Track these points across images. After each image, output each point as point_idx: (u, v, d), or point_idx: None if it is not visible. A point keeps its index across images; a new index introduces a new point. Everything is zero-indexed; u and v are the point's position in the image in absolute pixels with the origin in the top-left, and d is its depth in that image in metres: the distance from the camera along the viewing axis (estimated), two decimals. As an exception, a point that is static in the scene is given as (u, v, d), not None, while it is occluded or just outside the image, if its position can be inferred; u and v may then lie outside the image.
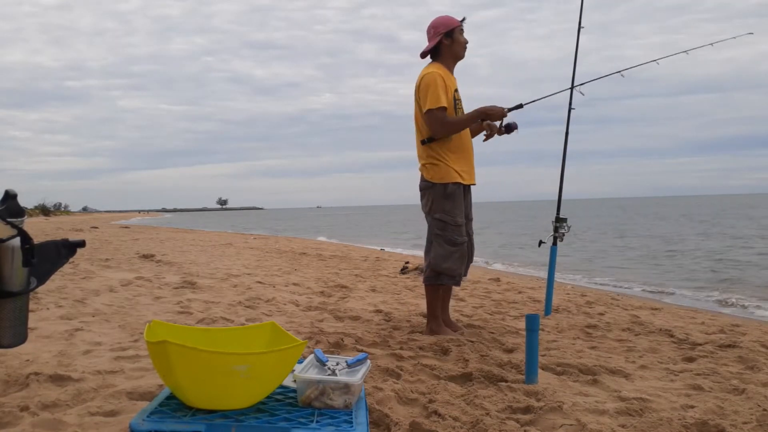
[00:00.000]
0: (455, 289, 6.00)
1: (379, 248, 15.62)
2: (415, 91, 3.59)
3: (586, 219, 34.81)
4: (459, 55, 3.66)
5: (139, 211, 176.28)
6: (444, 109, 3.46)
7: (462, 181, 3.58)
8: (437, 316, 3.64)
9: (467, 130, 3.65)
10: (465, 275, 3.72)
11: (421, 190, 3.68)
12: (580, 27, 4.27)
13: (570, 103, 4.21)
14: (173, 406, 1.74)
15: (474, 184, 3.72)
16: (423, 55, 3.70)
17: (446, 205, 3.55)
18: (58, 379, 2.37)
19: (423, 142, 3.58)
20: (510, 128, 3.67)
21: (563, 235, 4.25)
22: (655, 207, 64.11)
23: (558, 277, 5.71)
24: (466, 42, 3.66)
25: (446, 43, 3.60)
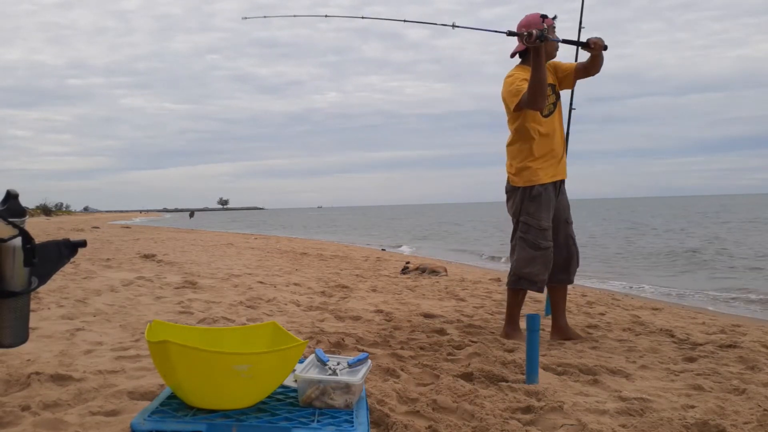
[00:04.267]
0: (455, 288, 6.00)
1: (380, 248, 15.62)
2: (502, 95, 3.55)
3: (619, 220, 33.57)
4: (551, 54, 3.57)
5: (140, 211, 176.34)
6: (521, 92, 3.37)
7: (548, 181, 3.51)
8: (514, 320, 3.59)
9: (554, 128, 3.55)
10: (571, 281, 3.66)
11: (506, 192, 3.67)
12: (580, 27, 4.27)
13: (570, 104, 4.21)
14: (174, 405, 1.74)
15: (564, 179, 3.62)
16: (513, 56, 3.64)
17: (531, 208, 3.50)
18: (59, 379, 2.38)
19: (507, 145, 3.58)
20: (542, 36, 3.21)
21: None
22: (681, 207, 59.42)
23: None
24: (559, 40, 3.54)
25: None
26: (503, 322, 4.00)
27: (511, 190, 3.62)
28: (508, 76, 3.53)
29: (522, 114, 3.48)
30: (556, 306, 3.63)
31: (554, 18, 3.51)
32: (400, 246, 17.27)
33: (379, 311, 4.48)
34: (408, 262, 8.39)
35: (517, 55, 3.64)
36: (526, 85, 3.34)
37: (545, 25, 3.38)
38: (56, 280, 5.09)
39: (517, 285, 3.55)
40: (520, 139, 3.54)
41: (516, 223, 3.58)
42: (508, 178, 3.63)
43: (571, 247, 3.62)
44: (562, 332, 3.58)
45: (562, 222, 3.61)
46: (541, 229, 3.50)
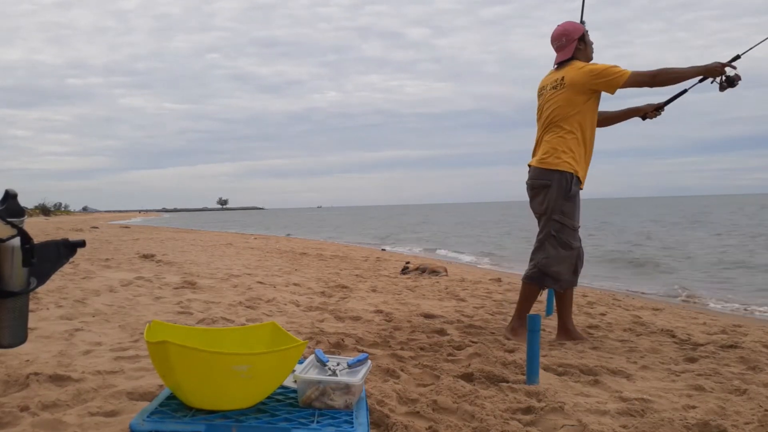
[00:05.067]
0: (455, 289, 6.00)
1: (380, 248, 15.62)
2: (577, 85, 3.47)
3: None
4: (591, 58, 3.64)
5: (140, 211, 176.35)
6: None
7: (583, 182, 3.55)
8: (523, 315, 3.54)
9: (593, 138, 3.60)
10: (576, 283, 3.65)
11: (534, 188, 3.60)
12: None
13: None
14: (173, 406, 1.74)
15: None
16: (559, 65, 3.64)
17: (567, 207, 3.49)
18: (58, 380, 2.37)
19: (556, 136, 3.51)
20: (733, 80, 3.43)
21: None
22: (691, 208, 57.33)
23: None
24: (592, 43, 3.66)
25: (581, 48, 3.59)
26: (504, 323, 4.00)
27: (541, 187, 3.54)
28: (586, 65, 3.50)
29: (593, 105, 3.52)
30: (564, 308, 3.59)
31: (584, 23, 3.69)
32: (400, 245, 17.11)
33: (379, 311, 4.48)
34: (408, 262, 8.39)
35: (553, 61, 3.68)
36: (621, 67, 3.41)
37: (587, 29, 3.63)
38: (55, 280, 5.08)
39: (542, 281, 3.54)
40: (578, 130, 3.50)
41: (548, 220, 3.53)
42: (547, 162, 3.52)
43: (580, 249, 3.62)
44: (569, 334, 3.56)
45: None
46: (575, 229, 3.53)
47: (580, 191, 3.59)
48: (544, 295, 4.24)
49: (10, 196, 1.55)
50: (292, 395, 1.89)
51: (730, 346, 3.38)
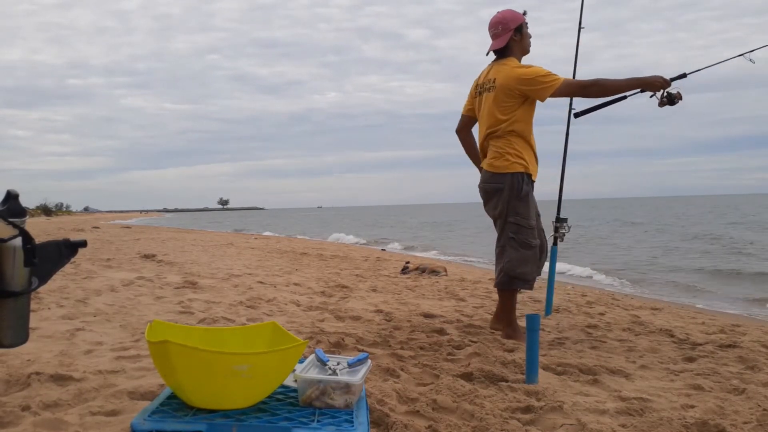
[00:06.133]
0: (455, 288, 6.01)
1: (380, 248, 15.62)
2: (506, 88, 3.46)
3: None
4: (527, 50, 3.62)
5: (141, 211, 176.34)
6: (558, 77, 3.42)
7: (534, 178, 3.56)
8: (513, 321, 3.57)
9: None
10: (539, 274, 3.68)
11: (487, 192, 3.61)
12: (580, 27, 4.27)
13: (570, 103, 4.21)
14: (174, 405, 1.74)
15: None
16: (489, 53, 3.64)
17: (520, 208, 3.49)
18: (59, 379, 2.38)
19: (498, 137, 3.53)
20: (673, 98, 3.46)
21: (563, 235, 4.26)
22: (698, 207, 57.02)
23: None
24: (530, 36, 3.63)
25: (516, 39, 3.57)
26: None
27: (493, 191, 3.56)
28: (520, 66, 3.50)
29: (533, 107, 3.52)
30: (499, 309, 3.63)
31: (525, 14, 3.62)
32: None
33: (379, 311, 4.48)
34: (408, 262, 8.39)
35: (492, 53, 3.65)
36: (555, 74, 3.39)
37: (526, 21, 3.57)
38: (56, 280, 5.09)
39: (512, 285, 3.55)
40: (520, 131, 3.51)
41: (504, 224, 3.55)
42: (497, 166, 3.52)
43: (543, 239, 3.67)
44: (508, 337, 3.54)
45: (536, 215, 3.65)
46: (531, 228, 3.53)
47: (533, 189, 3.61)
48: (543, 295, 4.24)
49: (12, 197, 1.55)
50: (292, 395, 1.90)
51: (729, 346, 3.38)
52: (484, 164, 3.64)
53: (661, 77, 3.39)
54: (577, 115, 3.73)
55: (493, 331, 3.66)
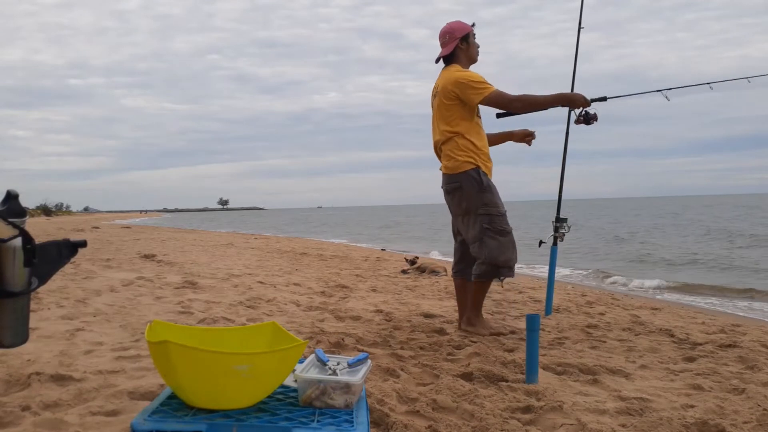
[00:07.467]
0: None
1: (380, 248, 15.62)
2: (444, 91, 3.60)
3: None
4: (474, 59, 3.75)
5: (141, 212, 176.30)
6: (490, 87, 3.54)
7: (487, 173, 3.64)
8: (480, 309, 3.67)
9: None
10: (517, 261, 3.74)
11: (449, 192, 3.70)
12: (580, 27, 4.28)
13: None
14: (174, 405, 1.74)
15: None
16: (438, 60, 3.77)
17: (486, 198, 3.57)
18: (59, 379, 2.38)
19: (446, 141, 3.62)
20: (589, 118, 3.64)
21: (563, 235, 4.26)
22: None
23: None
24: (478, 46, 3.77)
25: (462, 48, 3.70)
26: (503, 322, 4.01)
27: (453, 190, 3.65)
28: (462, 71, 3.61)
29: (472, 110, 3.61)
30: (472, 298, 3.67)
31: (473, 25, 3.76)
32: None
33: (379, 311, 4.49)
34: (416, 257, 8.39)
35: (442, 60, 3.76)
36: (489, 83, 3.53)
37: (474, 32, 3.72)
38: (56, 280, 5.09)
39: (497, 275, 3.59)
40: (464, 131, 3.60)
41: (475, 218, 3.60)
42: (451, 167, 3.63)
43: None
44: (470, 323, 3.64)
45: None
46: (502, 215, 3.60)
47: (492, 179, 3.68)
48: (543, 294, 4.25)
49: (12, 197, 1.56)
50: (292, 394, 1.90)
51: (729, 346, 3.38)
52: (441, 168, 3.75)
53: (583, 96, 3.60)
54: (498, 116, 3.84)
55: (465, 332, 3.66)
